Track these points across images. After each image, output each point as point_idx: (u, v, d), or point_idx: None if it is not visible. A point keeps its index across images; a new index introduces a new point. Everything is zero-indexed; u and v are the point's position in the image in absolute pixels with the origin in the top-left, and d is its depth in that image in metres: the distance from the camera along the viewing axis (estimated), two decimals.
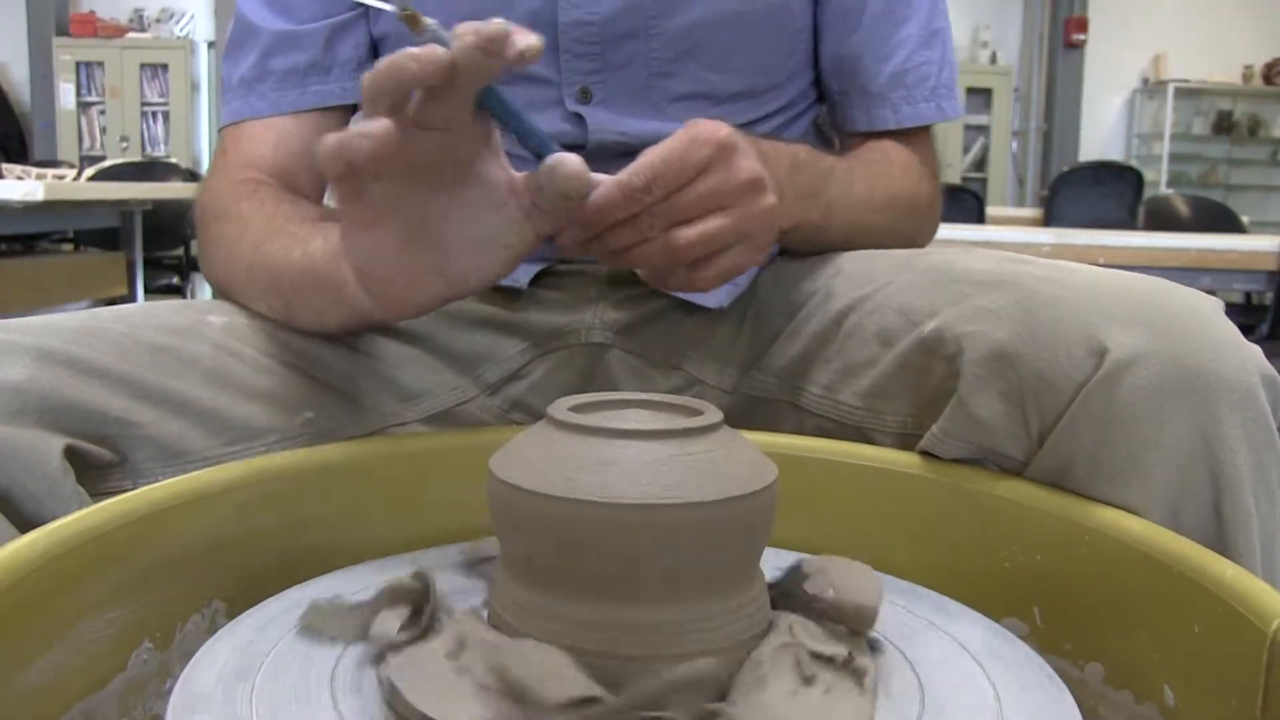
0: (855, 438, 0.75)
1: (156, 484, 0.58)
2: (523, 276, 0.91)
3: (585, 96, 0.91)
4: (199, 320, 0.76)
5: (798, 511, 0.67)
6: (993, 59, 8.67)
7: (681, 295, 0.88)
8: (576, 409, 0.47)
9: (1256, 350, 0.62)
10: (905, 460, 0.68)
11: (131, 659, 0.54)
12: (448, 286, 0.65)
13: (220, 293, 0.85)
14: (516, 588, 0.45)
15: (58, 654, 0.49)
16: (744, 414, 0.85)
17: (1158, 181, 8.59)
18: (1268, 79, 8.80)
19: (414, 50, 0.56)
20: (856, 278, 0.82)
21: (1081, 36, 8.56)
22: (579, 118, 0.91)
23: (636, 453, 0.43)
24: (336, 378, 0.78)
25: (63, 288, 3.51)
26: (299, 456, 0.65)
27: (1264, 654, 0.44)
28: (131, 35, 8.39)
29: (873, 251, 0.87)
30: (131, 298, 3.77)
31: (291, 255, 0.73)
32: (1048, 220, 5.81)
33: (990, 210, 5.39)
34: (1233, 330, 0.62)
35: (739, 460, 0.45)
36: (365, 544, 0.63)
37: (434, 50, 0.56)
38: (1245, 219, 5.36)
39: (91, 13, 8.39)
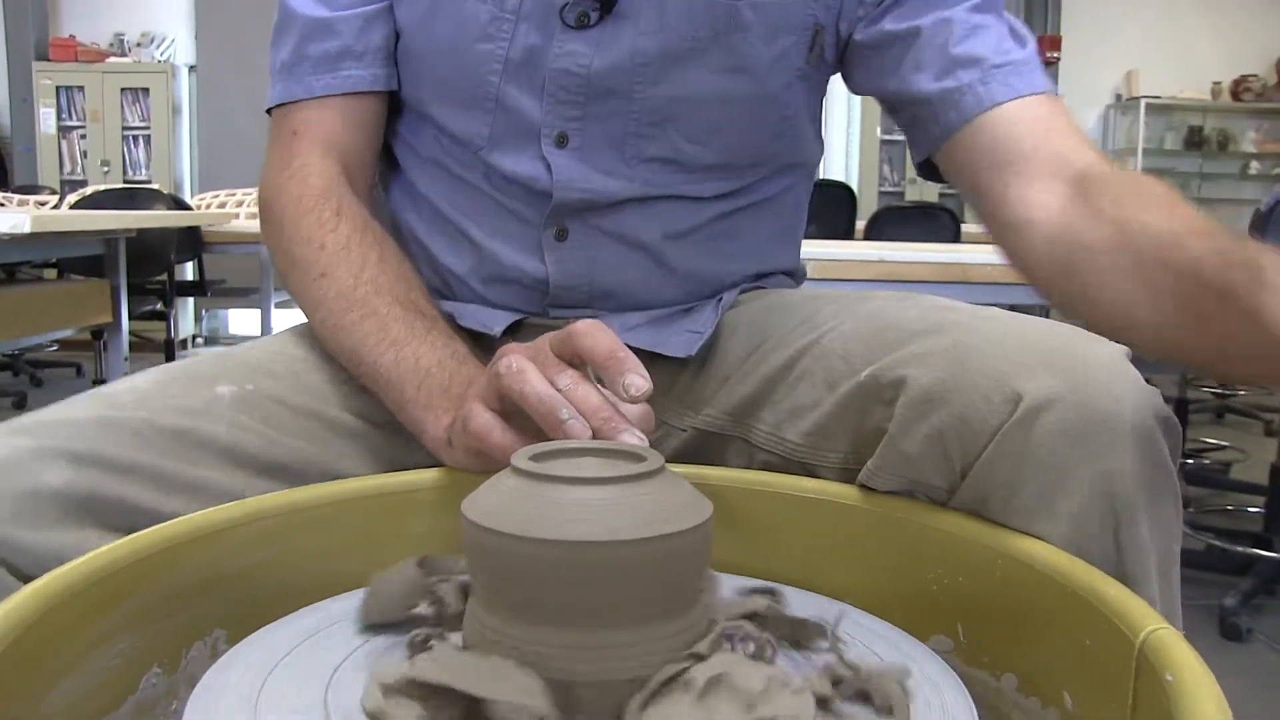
0: (800, 471, 0.82)
1: (161, 525, 0.64)
2: (496, 326, 0.97)
3: (562, 141, 0.96)
4: (211, 397, 0.82)
5: (747, 539, 0.74)
6: None
7: (645, 347, 0.93)
8: (536, 458, 0.53)
9: (1155, 394, 0.68)
10: (844, 492, 0.74)
11: (142, 683, 0.60)
12: None
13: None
14: (487, 615, 0.52)
15: (77, 679, 0.55)
16: (698, 448, 0.92)
17: None
18: (1236, 95, 8.91)
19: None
20: (804, 324, 0.89)
21: (1055, 54, 8.65)
22: (550, 166, 0.96)
23: (587, 497, 0.50)
24: (344, 434, 0.85)
25: (49, 315, 3.52)
26: (289, 495, 0.71)
27: (1133, 661, 0.50)
28: (112, 60, 8.39)
29: (818, 293, 0.93)
30: (117, 325, 3.80)
31: (384, 357, 0.83)
32: None
33: (966, 228, 5.44)
34: (1134, 376, 0.68)
35: (677, 501, 0.51)
36: (351, 573, 0.69)
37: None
38: None
39: (71, 37, 8.39)
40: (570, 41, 0.93)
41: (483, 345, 0.96)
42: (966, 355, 0.71)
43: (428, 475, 0.77)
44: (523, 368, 0.68)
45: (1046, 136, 0.87)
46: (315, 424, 0.86)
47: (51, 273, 4.79)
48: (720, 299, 1.01)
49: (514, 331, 0.99)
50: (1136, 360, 0.71)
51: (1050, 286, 0.82)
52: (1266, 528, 3.36)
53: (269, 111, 1.03)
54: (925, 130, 0.94)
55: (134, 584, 0.59)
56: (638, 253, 0.99)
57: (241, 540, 0.67)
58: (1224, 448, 4.97)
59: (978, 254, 3.02)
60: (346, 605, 0.65)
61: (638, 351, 0.93)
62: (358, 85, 1.00)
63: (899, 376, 0.73)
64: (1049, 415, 0.66)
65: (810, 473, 0.81)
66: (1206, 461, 4.71)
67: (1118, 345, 0.71)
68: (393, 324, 0.84)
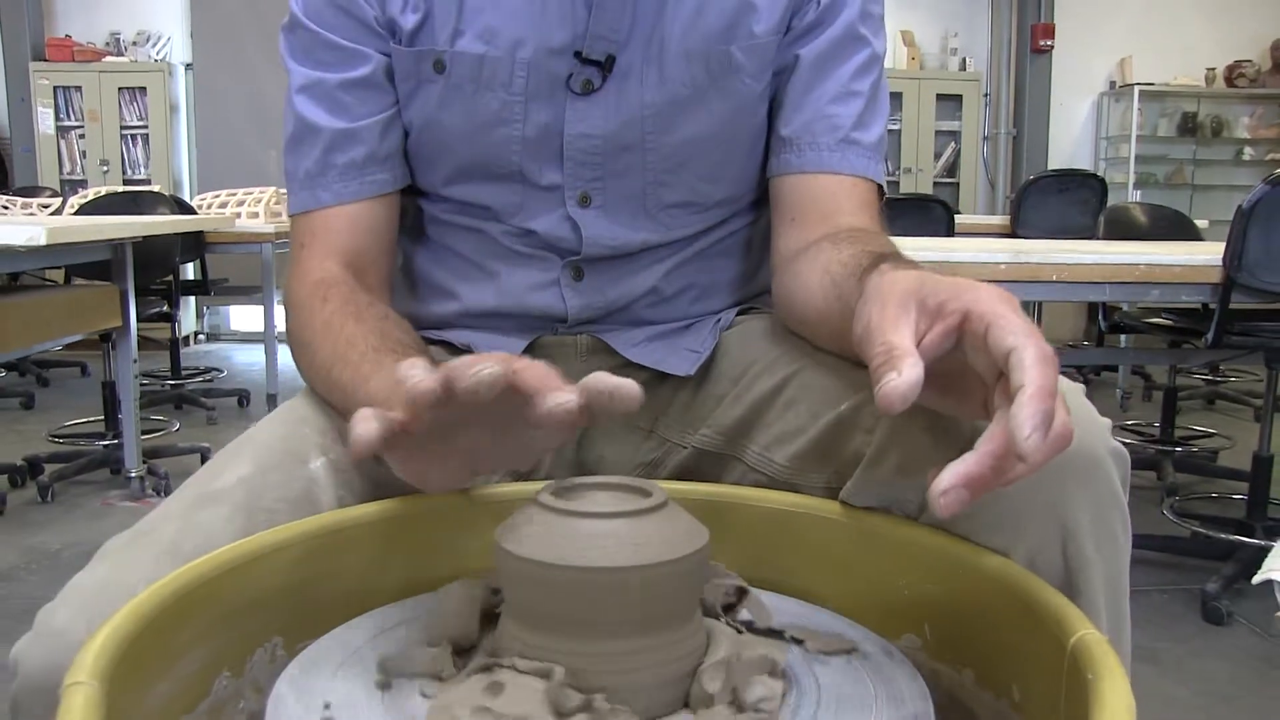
0: (787, 488, 0.91)
1: (224, 548, 0.73)
2: (514, 350, 1.06)
3: (585, 201, 1.05)
4: (307, 480, 0.89)
5: (741, 549, 0.83)
6: (962, 65, 8.87)
7: (649, 364, 1.04)
8: (557, 493, 0.63)
9: (1106, 427, 0.78)
10: (826, 507, 0.83)
11: (214, 686, 0.69)
12: (478, 476, 0.78)
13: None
14: (518, 629, 0.61)
15: (166, 683, 0.64)
16: (696, 464, 1.02)
17: (1125, 183, 8.79)
18: (1229, 81, 9.01)
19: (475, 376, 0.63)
20: (790, 353, 0.98)
21: (1049, 43, 8.74)
22: (576, 224, 1.05)
23: (601, 529, 0.60)
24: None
25: (61, 322, 3.58)
26: (336, 516, 0.81)
27: (1065, 661, 0.59)
28: (109, 59, 8.49)
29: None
30: (125, 329, 3.87)
31: (355, 395, 0.86)
32: (1015, 227, 5.98)
33: (960, 219, 5.53)
34: (1087, 410, 0.77)
35: (678, 531, 0.61)
36: (394, 585, 0.79)
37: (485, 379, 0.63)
38: (1205, 222, 5.55)
39: (68, 37, 8.48)
40: (580, 109, 1.02)
41: None
42: None
43: (454, 499, 0.85)
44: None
45: (842, 208, 1.04)
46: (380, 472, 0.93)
47: (55, 274, 4.85)
48: (719, 318, 1.10)
49: (530, 353, 1.07)
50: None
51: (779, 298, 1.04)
52: (1249, 515, 3.46)
53: (292, 218, 1.09)
54: (773, 151, 1.09)
55: (206, 600, 0.68)
56: (648, 281, 1.09)
57: (292, 558, 0.76)
58: (1211, 435, 5.07)
59: (967, 251, 3.10)
60: (389, 616, 0.74)
61: (642, 369, 1.04)
62: (383, 188, 1.06)
63: (874, 408, 0.82)
64: None
65: (795, 489, 0.91)
66: (1195, 449, 4.81)
67: (1076, 383, 0.80)
68: (364, 366, 0.89)
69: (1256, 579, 0.97)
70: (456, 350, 1.09)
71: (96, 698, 0.53)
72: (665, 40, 1.01)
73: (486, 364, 0.62)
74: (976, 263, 3.04)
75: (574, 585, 0.59)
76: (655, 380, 1.06)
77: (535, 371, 0.65)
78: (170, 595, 0.65)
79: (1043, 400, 0.57)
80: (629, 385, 0.63)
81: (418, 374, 0.63)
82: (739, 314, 1.12)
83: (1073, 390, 0.79)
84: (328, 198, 1.05)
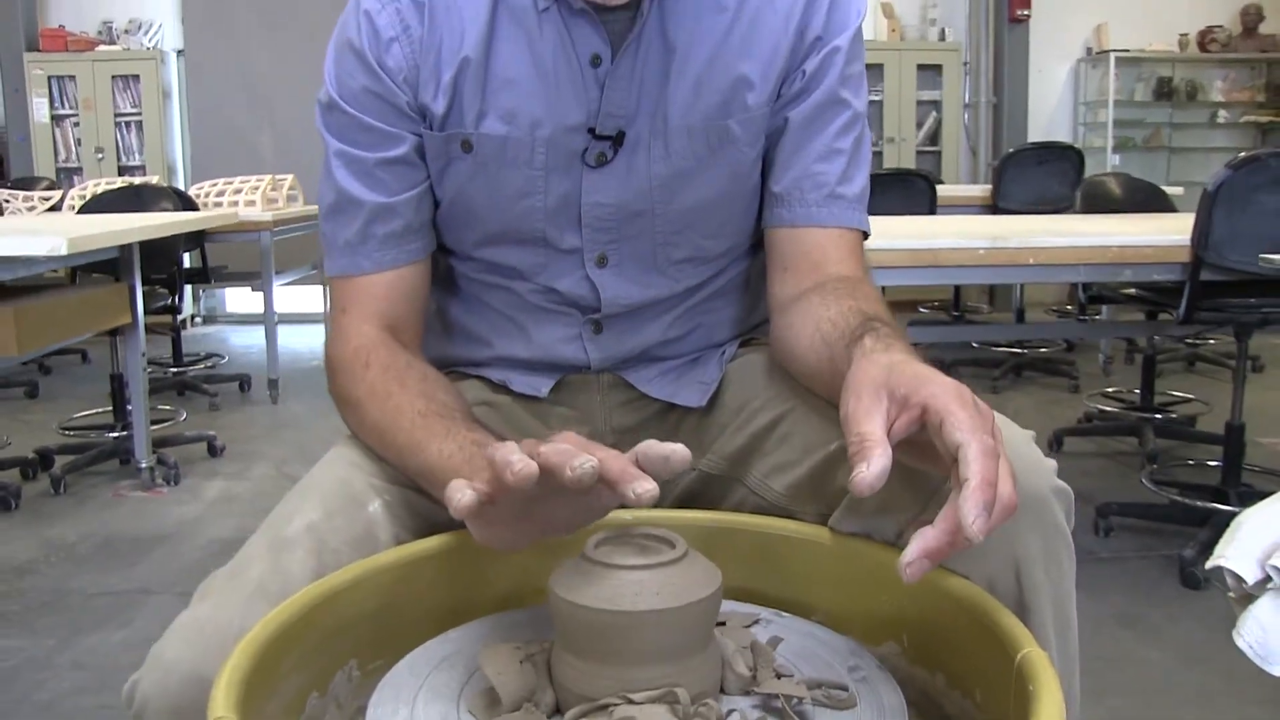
0: (784, 514, 1.05)
1: (306, 589, 0.86)
2: (543, 388, 1.20)
3: (602, 261, 1.17)
4: (368, 523, 1.01)
5: (746, 567, 0.97)
6: (941, 36, 8.95)
7: (664, 398, 1.19)
8: (598, 544, 0.77)
9: (1051, 468, 0.92)
10: (818, 533, 0.97)
11: (307, 704, 0.83)
12: (538, 540, 0.87)
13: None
14: (569, 657, 0.76)
15: (273, 705, 0.78)
16: (703, 488, 1.16)
17: (1105, 147, 8.93)
18: (1203, 46, 9.14)
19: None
20: (785, 391, 1.12)
21: (1025, 12, 8.82)
22: (595, 285, 1.17)
23: (634, 578, 0.74)
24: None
25: (75, 321, 3.67)
26: (397, 553, 0.94)
27: (1013, 673, 0.73)
28: (101, 48, 8.54)
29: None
30: (134, 325, 3.97)
31: (412, 461, 1.00)
32: (996, 198, 6.11)
33: (942, 191, 5.64)
34: (1035, 456, 0.92)
35: (695, 577, 0.75)
36: (449, 610, 0.93)
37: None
38: (1180, 189, 5.68)
39: (61, 27, 8.53)
40: (596, 180, 1.14)
41: (528, 408, 1.20)
42: None
43: None
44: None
45: (830, 257, 1.15)
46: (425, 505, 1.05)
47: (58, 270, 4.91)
48: (724, 351, 1.24)
49: (557, 389, 1.22)
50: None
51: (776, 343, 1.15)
52: (1223, 481, 3.60)
53: (331, 279, 1.19)
54: (766, 204, 1.20)
55: (298, 635, 0.81)
56: (659, 329, 1.22)
57: (363, 592, 0.89)
58: (1190, 400, 5.21)
59: (948, 238, 3.23)
60: (450, 642, 0.88)
61: (656, 400, 1.17)
62: (417, 255, 1.17)
63: None
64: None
65: (792, 517, 1.04)
66: (1174, 415, 4.94)
67: (1025, 431, 0.94)
68: (416, 433, 1.00)
69: (1209, 565, 1.00)
70: (493, 385, 1.23)
71: None
72: (669, 116, 1.12)
73: (584, 458, 0.72)
74: (957, 248, 3.16)
75: (613, 625, 0.73)
76: (665, 408, 1.20)
77: (618, 463, 0.74)
78: (272, 633, 0.78)
79: (984, 492, 0.71)
80: (679, 451, 0.76)
81: (516, 461, 0.72)
82: (740, 345, 1.26)
83: (1024, 438, 0.92)
84: (368, 265, 1.16)
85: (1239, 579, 0.96)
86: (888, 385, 0.81)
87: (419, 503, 1.04)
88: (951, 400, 0.76)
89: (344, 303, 1.17)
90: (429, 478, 0.98)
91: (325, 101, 1.16)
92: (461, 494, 0.76)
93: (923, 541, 0.73)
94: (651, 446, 0.76)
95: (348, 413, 1.12)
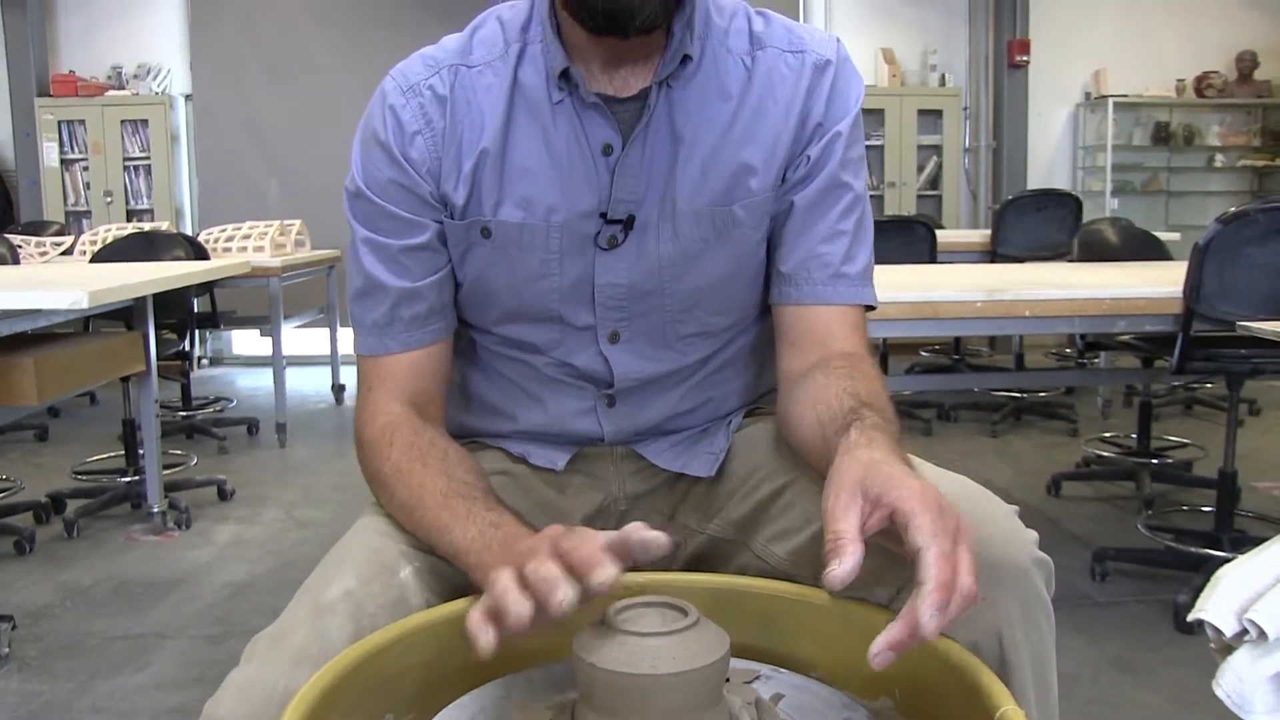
0: (786, 578, 1.12)
1: (345, 651, 0.93)
2: (559, 462, 1.27)
3: (614, 338, 1.24)
4: (401, 589, 1.08)
5: (751, 627, 1.04)
6: (942, 81, 9.06)
7: (675, 469, 1.26)
8: (618, 612, 0.85)
9: (1032, 539, 1.00)
10: (817, 595, 1.03)
11: None
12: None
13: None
14: (592, 714, 0.84)
15: None
16: (710, 550, 1.24)
17: (1103, 190, 9.02)
18: (1199, 91, 9.26)
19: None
20: (788, 463, 1.20)
21: (1025, 57, 8.95)
22: (607, 360, 1.24)
23: (650, 644, 0.82)
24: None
25: (92, 369, 3.74)
26: (428, 616, 1.01)
27: None
28: (111, 93, 8.64)
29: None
30: (148, 372, 4.03)
31: (439, 542, 1.07)
32: (995, 244, 6.19)
33: (942, 237, 5.70)
34: (1017, 528, 1.00)
35: (706, 643, 0.83)
36: (475, 669, 0.98)
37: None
38: (1177, 235, 5.75)
39: (71, 73, 8.63)
40: (607, 262, 1.21)
41: (547, 480, 1.28)
42: None
43: None
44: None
45: (835, 334, 1.22)
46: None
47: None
48: (730, 421, 1.31)
49: (573, 460, 1.29)
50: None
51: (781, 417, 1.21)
52: (1216, 527, 3.66)
53: (360, 357, 1.25)
54: (774, 283, 1.26)
55: (341, 693, 0.89)
56: (670, 403, 1.29)
57: (398, 652, 0.96)
58: (1186, 445, 5.24)
59: (948, 290, 3.29)
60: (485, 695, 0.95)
61: (668, 472, 1.24)
62: (439, 335, 1.25)
63: None
64: None
65: (793, 580, 1.10)
66: (1170, 460, 4.97)
67: (1008, 505, 1.01)
68: (442, 514, 1.07)
69: (1190, 617, 1.05)
70: (512, 457, 1.31)
71: None
72: (677, 201, 1.19)
73: (564, 592, 0.84)
74: (955, 301, 3.23)
75: (635, 687, 0.81)
76: (676, 476, 1.27)
77: (585, 551, 0.86)
78: (318, 693, 0.86)
79: (938, 594, 0.80)
80: (659, 540, 0.87)
81: (568, 601, 0.84)
82: (746, 414, 1.33)
83: (1006, 513, 1.00)
84: (395, 346, 1.23)
85: (1219, 631, 1.02)
86: (863, 484, 0.89)
87: (445, 569, 1.11)
88: (916, 505, 0.85)
89: (371, 381, 1.24)
90: (454, 559, 1.06)
91: (353, 191, 1.22)
92: (486, 637, 0.86)
93: (887, 635, 0.82)
94: (635, 531, 0.87)
95: (377, 490, 1.19)
